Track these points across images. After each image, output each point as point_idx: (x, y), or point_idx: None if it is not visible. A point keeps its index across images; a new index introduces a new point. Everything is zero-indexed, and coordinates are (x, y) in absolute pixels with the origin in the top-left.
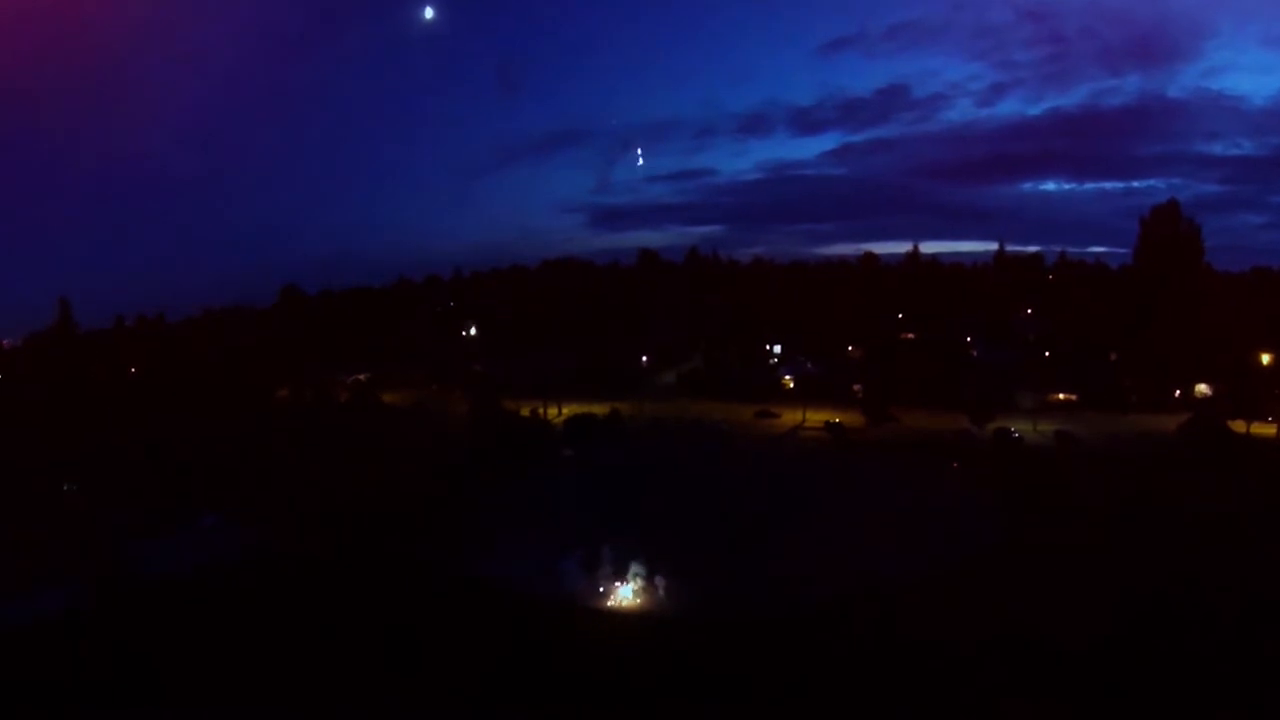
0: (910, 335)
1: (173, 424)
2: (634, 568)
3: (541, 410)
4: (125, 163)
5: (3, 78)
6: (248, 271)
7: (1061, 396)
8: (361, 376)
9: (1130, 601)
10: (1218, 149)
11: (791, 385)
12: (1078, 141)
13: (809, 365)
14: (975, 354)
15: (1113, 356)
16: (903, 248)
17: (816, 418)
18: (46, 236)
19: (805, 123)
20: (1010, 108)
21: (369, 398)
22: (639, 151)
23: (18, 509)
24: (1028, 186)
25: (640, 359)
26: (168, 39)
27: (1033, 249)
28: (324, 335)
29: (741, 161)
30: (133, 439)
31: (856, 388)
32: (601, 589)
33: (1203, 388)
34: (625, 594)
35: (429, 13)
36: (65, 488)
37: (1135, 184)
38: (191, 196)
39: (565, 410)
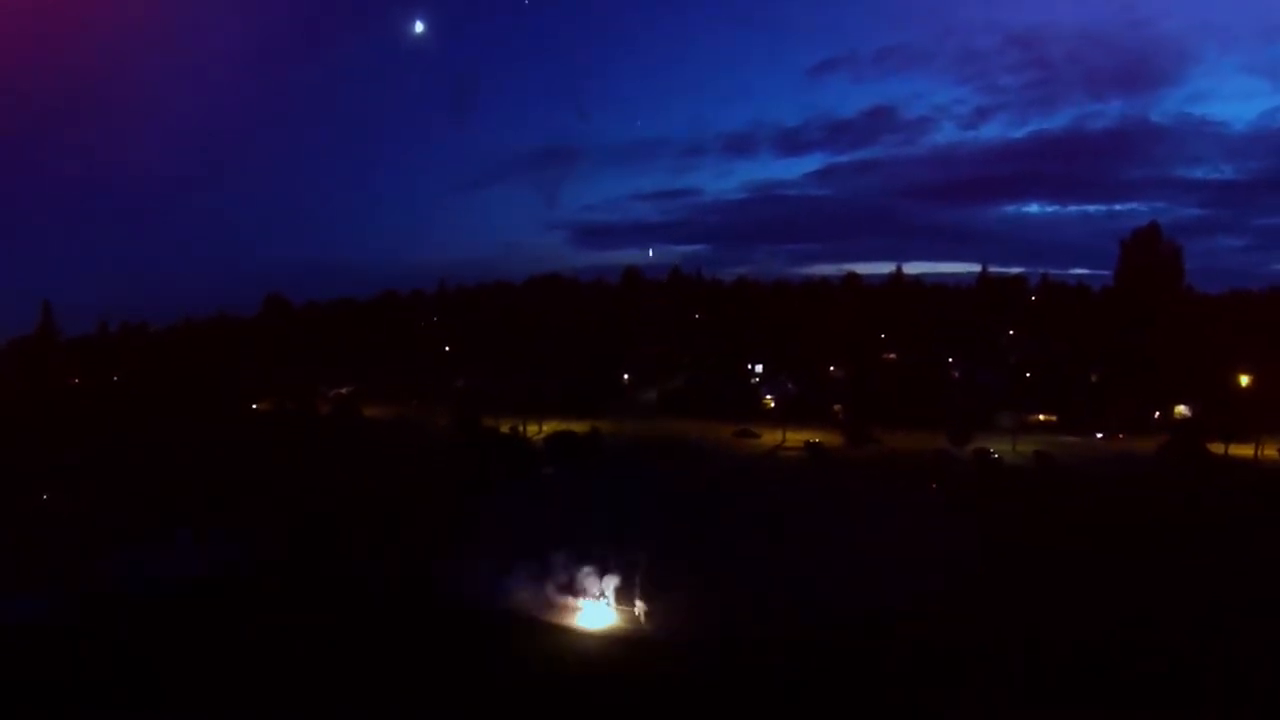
0: (892, 355)
1: (152, 434)
2: (599, 586)
3: (522, 427)
4: (110, 169)
5: None
6: (232, 280)
7: (1042, 417)
8: (344, 390)
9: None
10: (1199, 173)
11: (773, 405)
12: (1061, 164)
13: (790, 385)
14: (956, 374)
15: (1093, 377)
16: (886, 268)
17: (797, 437)
18: (30, 241)
19: (791, 143)
20: (994, 131)
21: (350, 411)
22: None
23: None
24: (1011, 209)
25: (623, 377)
26: (154, 49)
27: (1015, 270)
28: (307, 346)
29: (727, 181)
30: (112, 448)
31: (837, 408)
32: (564, 606)
33: (1182, 409)
34: (588, 610)
35: (418, 27)
36: (44, 496)
37: (1118, 207)
38: (177, 204)
39: (546, 427)
